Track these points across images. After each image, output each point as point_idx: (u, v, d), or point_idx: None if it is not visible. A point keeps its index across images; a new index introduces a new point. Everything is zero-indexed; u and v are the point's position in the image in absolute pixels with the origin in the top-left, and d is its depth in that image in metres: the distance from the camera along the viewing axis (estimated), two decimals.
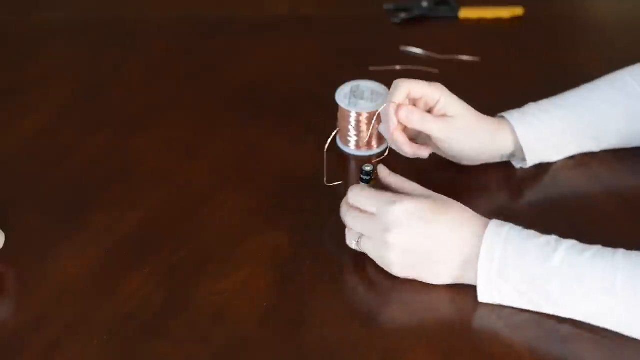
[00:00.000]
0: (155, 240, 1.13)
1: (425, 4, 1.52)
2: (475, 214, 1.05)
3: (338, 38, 1.47)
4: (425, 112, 1.14)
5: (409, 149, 1.15)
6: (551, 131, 1.18)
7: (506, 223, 1.04)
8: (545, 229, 1.03)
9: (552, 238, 1.02)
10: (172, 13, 1.54)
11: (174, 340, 1.02)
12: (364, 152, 1.24)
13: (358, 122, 1.22)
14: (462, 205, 1.06)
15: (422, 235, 1.03)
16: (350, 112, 1.22)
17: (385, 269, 1.06)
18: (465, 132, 1.15)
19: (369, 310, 1.05)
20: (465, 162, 1.19)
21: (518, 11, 1.52)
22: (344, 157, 1.25)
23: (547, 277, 1.00)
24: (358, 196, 1.07)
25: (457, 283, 1.04)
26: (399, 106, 1.12)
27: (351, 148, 1.24)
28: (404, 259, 1.04)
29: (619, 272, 0.98)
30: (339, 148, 1.25)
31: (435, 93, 1.13)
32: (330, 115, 1.25)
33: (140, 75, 1.41)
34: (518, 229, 1.03)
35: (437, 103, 1.13)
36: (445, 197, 1.06)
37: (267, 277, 1.08)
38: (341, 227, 1.13)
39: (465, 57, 1.42)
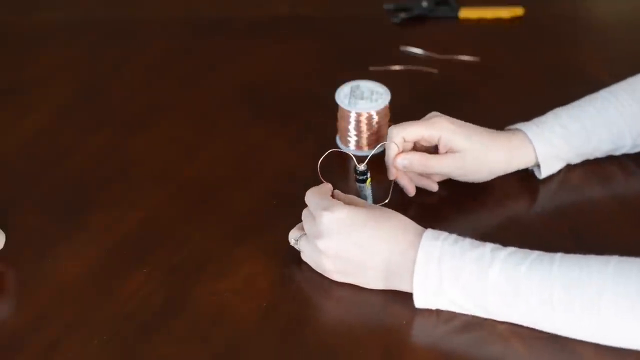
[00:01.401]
0: (155, 240, 1.13)
1: (425, 4, 1.52)
2: (412, 224, 1.04)
3: (338, 38, 1.47)
4: (426, 155, 1.12)
5: (412, 192, 1.15)
6: (568, 148, 1.16)
7: (440, 234, 1.02)
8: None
9: (487, 249, 1.00)
10: (172, 13, 1.54)
11: (174, 340, 1.02)
12: (364, 152, 1.24)
13: (358, 122, 1.22)
14: (401, 216, 1.04)
15: (351, 243, 1.02)
16: (350, 112, 1.22)
17: (323, 274, 1.06)
18: (477, 162, 1.13)
19: (369, 309, 1.05)
20: (482, 181, 1.17)
21: (518, 11, 1.52)
22: (344, 157, 1.25)
23: (483, 292, 0.99)
24: (307, 196, 1.06)
25: (392, 289, 1.04)
26: (396, 155, 1.12)
27: (351, 148, 1.24)
28: (337, 265, 1.04)
29: (556, 282, 0.96)
30: (339, 148, 1.25)
31: (433, 132, 1.12)
32: (330, 115, 1.25)
33: (140, 75, 1.41)
34: (451, 240, 1.01)
35: (439, 140, 1.12)
36: (386, 209, 1.05)
37: (267, 277, 1.08)
38: None
39: (465, 57, 1.42)
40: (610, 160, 1.20)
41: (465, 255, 0.99)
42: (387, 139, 1.13)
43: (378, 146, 1.15)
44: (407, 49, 1.43)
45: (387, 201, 1.13)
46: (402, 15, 1.51)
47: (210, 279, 1.08)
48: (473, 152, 1.12)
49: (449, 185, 1.18)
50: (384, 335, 1.02)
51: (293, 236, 1.08)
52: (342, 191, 1.09)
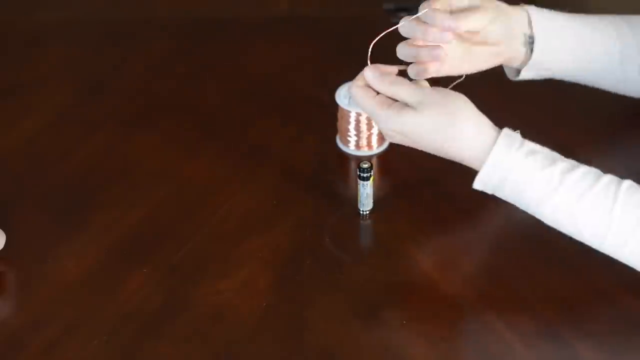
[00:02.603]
0: (155, 240, 1.13)
1: None
2: (483, 131, 1.02)
3: (338, 38, 1.47)
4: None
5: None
6: (565, 38, 1.14)
7: (515, 140, 1.01)
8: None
9: (556, 172, 1.00)
10: (172, 13, 1.54)
11: (174, 340, 1.02)
12: (364, 152, 1.24)
13: (358, 122, 1.22)
14: (471, 116, 1.02)
15: (415, 145, 1.04)
16: (350, 112, 1.22)
17: None
18: (499, 23, 1.10)
19: (369, 309, 1.05)
20: (491, 57, 1.14)
21: None
22: (344, 157, 1.25)
23: (542, 210, 1.01)
24: (376, 80, 1.05)
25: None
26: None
27: (351, 148, 1.24)
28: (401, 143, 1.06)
29: (613, 224, 0.98)
30: (339, 148, 1.25)
31: None
32: (330, 115, 1.25)
33: (140, 75, 1.41)
34: (523, 153, 1.00)
35: None
36: (440, 99, 1.03)
37: (267, 277, 1.08)
38: (341, 227, 1.13)
39: None
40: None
41: (533, 175, 1.00)
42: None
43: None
44: None
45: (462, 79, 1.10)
46: (402, 15, 1.50)
47: (210, 279, 1.08)
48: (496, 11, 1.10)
49: (448, 184, 1.18)
50: (384, 335, 1.02)
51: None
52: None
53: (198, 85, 1.38)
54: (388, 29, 1.09)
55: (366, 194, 1.14)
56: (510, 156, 1.01)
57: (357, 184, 1.13)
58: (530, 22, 1.12)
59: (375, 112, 1.04)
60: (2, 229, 1.10)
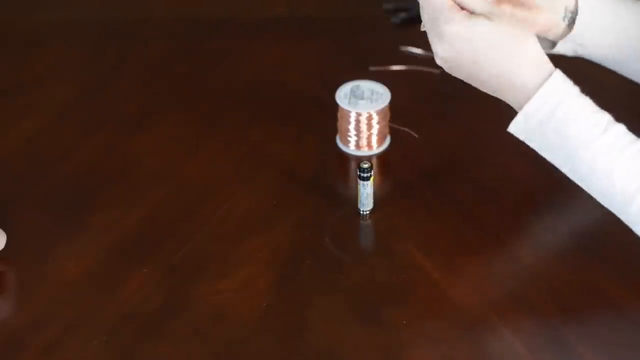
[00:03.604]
0: (155, 240, 1.13)
1: None
2: (541, 54, 1.01)
3: (338, 38, 1.47)
4: None
5: None
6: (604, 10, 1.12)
7: (567, 81, 1.00)
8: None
9: (604, 119, 0.99)
10: (172, 13, 1.54)
11: (174, 340, 1.02)
12: (364, 152, 1.24)
13: (358, 122, 1.22)
14: (529, 47, 1.01)
15: (470, 61, 1.01)
16: (350, 112, 1.22)
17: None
18: None
19: (369, 309, 1.05)
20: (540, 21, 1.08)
21: None
22: (344, 157, 1.25)
23: (581, 155, 0.99)
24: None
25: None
26: None
27: (351, 148, 1.24)
28: (448, 62, 1.02)
29: None
30: (339, 148, 1.25)
31: None
32: (330, 115, 1.25)
33: (140, 75, 1.41)
34: (575, 92, 1.00)
35: None
36: (523, 25, 1.01)
37: (267, 277, 1.08)
38: (341, 227, 1.13)
39: None
40: None
41: (581, 116, 0.99)
42: None
43: None
44: (407, 49, 1.43)
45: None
46: (402, 15, 1.51)
47: (210, 279, 1.08)
48: None
49: (448, 184, 1.18)
50: (384, 335, 1.02)
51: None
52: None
53: (198, 85, 1.38)
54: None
55: (366, 194, 1.14)
56: (565, 88, 1.00)
57: (357, 184, 1.13)
58: None
59: (445, 9, 0.99)
60: (2, 229, 1.10)
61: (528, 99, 1.00)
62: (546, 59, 1.01)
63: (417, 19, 1.08)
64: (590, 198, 1.17)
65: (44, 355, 1.01)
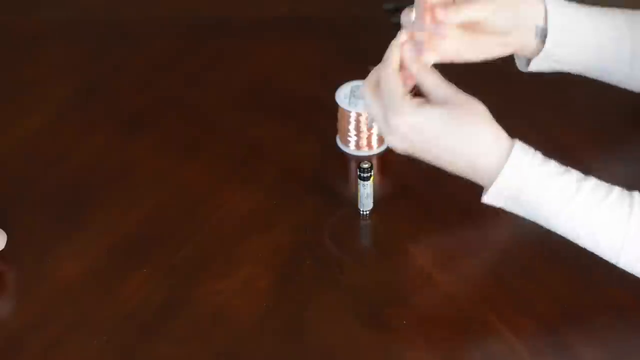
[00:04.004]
0: (155, 240, 1.13)
1: None
2: (497, 142, 0.99)
3: (338, 38, 1.47)
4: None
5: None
6: (577, 27, 1.12)
7: (528, 152, 0.99)
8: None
9: (572, 179, 0.98)
10: (172, 13, 1.54)
11: (174, 340, 1.02)
12: (364, 152, 1.24)
13: (358, 122, 1.22)
14: (486, 128, 1.00)
15: (426, 150, 1.00)
16: (350, 112, 1.22)
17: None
18: (506, 12, 1.08)
19: (369, 309, 1.05)
20: (496, 47, 1.11)
21: None
22: (344, 157, 1.25)
23: (556, 218, 0.99)
24: (384, 80, 1.01)
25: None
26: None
27: (351, 148, 1.24)
28: (405, 151, 1.02)
29: (629, 234, 0.97)
30: (339, 148, 1.25)
31: None
32: (330, 115, 1.25)
33: (140, 75, 1.40)
34: (538, 162, 0.98)
35: None
36: (464, 101, 1.00)
37: (267, 277, 1.08)
38: (341, 227, 1.13)
39: None
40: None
41: (551, 181, 0.98)
42: None
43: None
44: None
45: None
46: None
47: (210, 279, 1.08)
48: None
49: (448, 184, 1.18)
50: (384, 336, 1.02)
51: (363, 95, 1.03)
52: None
53: (198, 85, 1.38)
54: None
55: (366, 194, 1.14)
56: (527, 162, 0.98)
57: (357, 184, 1.13)
58: (545, 13, 1.10)
59: (396, 100, 0.99)
60: (2, 229, 1.10)
61: (493, 179, 0.99)
62: (503, 134, 1.00)
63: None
64: None
65: (44, 355, 1.01)
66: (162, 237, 1.13)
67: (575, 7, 1.13)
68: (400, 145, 1.01)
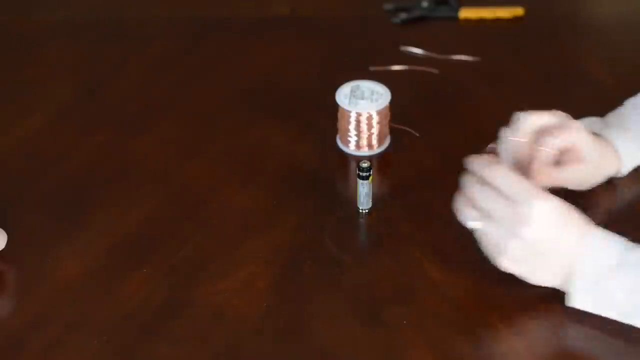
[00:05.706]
0: (155, 240, 1.13)
1: (425, 4, 1.52)
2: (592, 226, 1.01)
3: (338, 38, 1.47)
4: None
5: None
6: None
7: (617, 242, 1.00)
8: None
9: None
10: (172, 13, 1.54)
11: (174, 340, 1.02)
12: (364, 152, 1.24)
13: (358, 122, 1.22)
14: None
15: (552, 240, 0.99)
16: (350, 112, 1.22)
17: (492, 257, 1.01)
18: (593, 172, 1.12)
19: (369, 309, 1.05)
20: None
21: (518, 11, 1.52)
22: (344, 157, 1.25)
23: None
24: (502, 177, 0.99)
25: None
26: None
27: (351, 148, 1.24)
28: (521, 254, 1.00)
29: None
30: (339, 148, 1.25)
31: (569, 137, 1.06)
32: (330, 115, 1.25)
33: (140, 75, 1.41)
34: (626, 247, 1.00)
35: (570, 148, 1.07)
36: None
37: (267, 277, 1.08)
38: (341, 227, 1.13)
39: (465, 57, 1.42)
40: None
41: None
42: (514, 128, 1.05)
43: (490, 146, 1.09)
44: (407, 49, 1.43)
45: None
46: (402, 15, 1.51)
47: (210, 279, 1.08)
48: (594, 163, 1.10)
49: (448, 184, 1.18)
50: (384, 336, 1.02)
51: (469, 217, 1.02)
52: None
53: (198, 85, 1.38)
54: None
55: (365, 193, 1.14)
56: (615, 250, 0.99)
57: (356, 183, 1.13)
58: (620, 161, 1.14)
59: (526, 186, 0.99)
60: (2, 229, 1.10)
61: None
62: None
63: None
64: (590, 199, 1.17)
65: (44, 354, 1.01)
66: (162, 237, 1.13)
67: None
68: (535, 236, 0.99)
